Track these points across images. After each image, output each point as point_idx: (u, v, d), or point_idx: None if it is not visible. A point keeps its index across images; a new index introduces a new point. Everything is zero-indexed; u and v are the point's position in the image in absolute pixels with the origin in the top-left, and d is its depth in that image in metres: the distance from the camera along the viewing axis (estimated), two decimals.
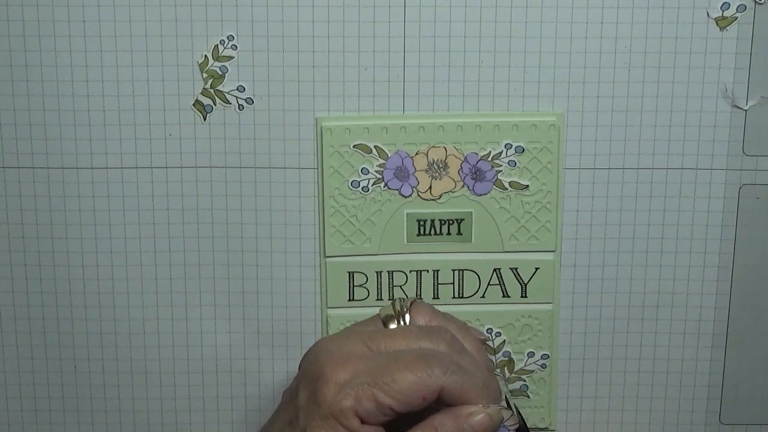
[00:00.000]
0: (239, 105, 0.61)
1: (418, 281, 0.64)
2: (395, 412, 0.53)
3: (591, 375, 0.66)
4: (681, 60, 0.61)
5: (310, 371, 0.54)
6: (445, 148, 0.62)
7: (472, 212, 0.63)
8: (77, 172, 0.62)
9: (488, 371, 0.57)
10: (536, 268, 0.64)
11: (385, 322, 0.58)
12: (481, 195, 0.62)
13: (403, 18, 0.60)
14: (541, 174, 0.62)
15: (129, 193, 0.63)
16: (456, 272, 0.64)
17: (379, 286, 0.64)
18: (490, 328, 0.64)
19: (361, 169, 0.62)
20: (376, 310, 0.64)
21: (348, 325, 0.64)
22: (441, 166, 0.62)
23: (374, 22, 0.60)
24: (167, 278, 0.64)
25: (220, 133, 0.62)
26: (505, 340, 0.65)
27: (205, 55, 0.61)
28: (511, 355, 0.65)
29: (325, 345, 0.56)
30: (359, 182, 0.62)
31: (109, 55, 0.61)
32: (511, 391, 0.65)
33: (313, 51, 0.61)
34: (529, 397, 0.65)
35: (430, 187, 0.62)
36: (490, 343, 0.64)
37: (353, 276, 0.64)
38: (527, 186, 0.62)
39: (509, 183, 0.62)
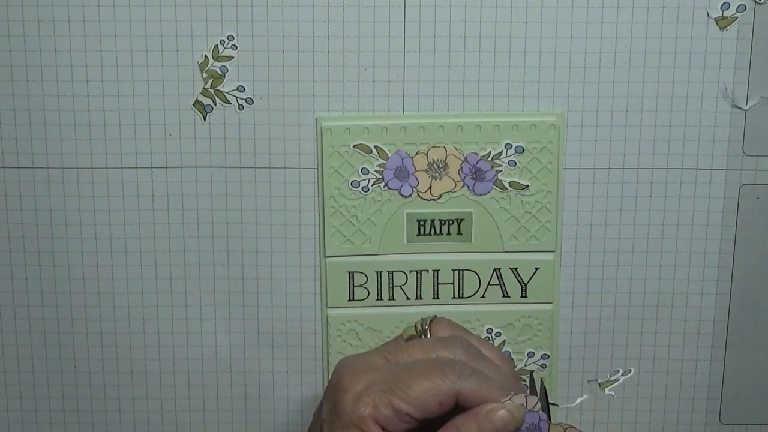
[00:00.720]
0: (239, 105, 0.61)
1: (418, 281, 0.64)
2: (414, 419, 0.54)
3: (591, 375, 0.66)
4: (681, 60, 0.61)
5: (331, 385, 0.56)
6: (445, 148, 0.62)
7: (472, 212, 0.63)
8: (77, 172, 0.62)
9: (510, 374, 0.57)
10: (536, 268, 0.64)
11: (408, 341, 0.59)
12: (481, 195, 0.62)
13: (403, 18, 0.60)
14: (541, 174, 0.62)
15: (129, 193, 0.63)
16: (456, 272, 0.64)
17: (379, 286, 0.64)
18: (490, 328, 0.64)
19: (361, 169, 0.62)
20: (376, 310, 0.64)
21: (348, 325, 0.64)
22: (441, 166, 0.62)
23: (374, 22, 0.60)
24: (167, 278, 0.64)
25: (220, 133, 0.62)
26: (505, 340, 0.65)
27: (205, 55, 0.61)
28: (511, 355, 0.65)
29: (345, 360, 0.57)
30: (359, 182, 0.62)
31: (109, 55, 0.61)
32: None
33: (313, 51, 0.61)
34: None
35: (430, 187, 0.62)
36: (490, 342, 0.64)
37: (353, 276, 0.64)
38: (527, 186, 0.62)
39: (509, 183, 0.62)
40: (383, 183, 0.62)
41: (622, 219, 0.63)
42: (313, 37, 0.60)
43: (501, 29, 0.61)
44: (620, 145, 0.62)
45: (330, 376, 0.58)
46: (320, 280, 0.64)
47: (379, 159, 0.62)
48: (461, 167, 0.62)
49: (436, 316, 0.60)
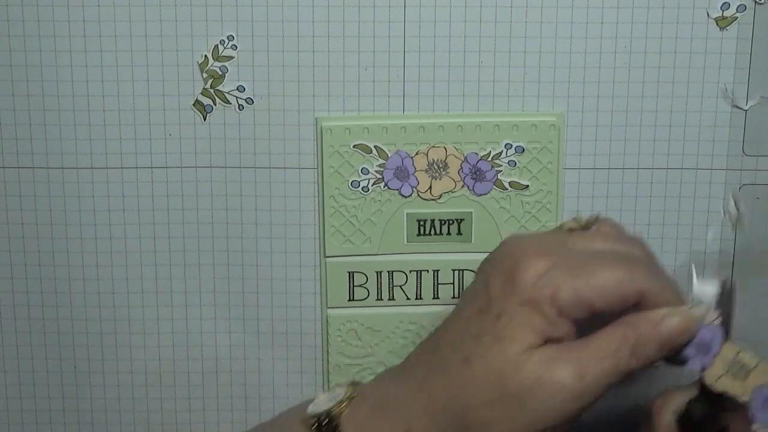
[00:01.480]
0: (239, 105, 0.61)
1: (418, 281, 0.64)
2: (592, 310, 0.51)
3: None
4: (681, 60, 0.61)
5: (504, 263, 0.52)
6: (445, 148, 0.62)
7: (472, 212, 0.63)
8: (77, 172, 0.62)
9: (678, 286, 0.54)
10: None
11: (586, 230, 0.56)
12: (481, 195, 0.62)
13: (403, 18, 0.60)
14: (541, 174, 0.62)
15: (129, 193, 0.63)
16: (456, 272, 0.64)
17: (379, 286, 0.64)
18: None
19: (361, 169, 0.62)
20: (377, 310, 0.64)
21: (348, 325, 0.64)
22: (441, 166, 0.62)
23: (374, 22, 0.60)
24: (167, 278, 0.64)
25: (220, 133, 0.62)
26: None
27: (205, 55, 0.61)
28: None
29: (516, 240, 0.53)
30: (359, 182, 0.62)
31: (109, 55, 0.61)
32: None
33: (313, 51, 0.61)
34: None
35: (430, 187, 0.62)
36: None
37: (353, 276, 0.64)
38: (527, 186, 0.62)
39: (509, 183, 0.62)
40: (383, 183, 0.62)
41: (622, 219, 0.63)
42: (313, 37, 0.60)
43: (501, 29, 0.61)
44: (620, 145, 0.62)
45: (492, 254, 0.54)
46: (320, 280, 0.64)
47: (379, 159, 0.62)
48: (461, 167, 0.62)
49: (599, 215, 0.57)
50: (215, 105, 0.61)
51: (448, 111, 0.62)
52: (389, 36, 0.61)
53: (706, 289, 0.54)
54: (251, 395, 0.66)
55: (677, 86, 0.61)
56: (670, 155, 0.62)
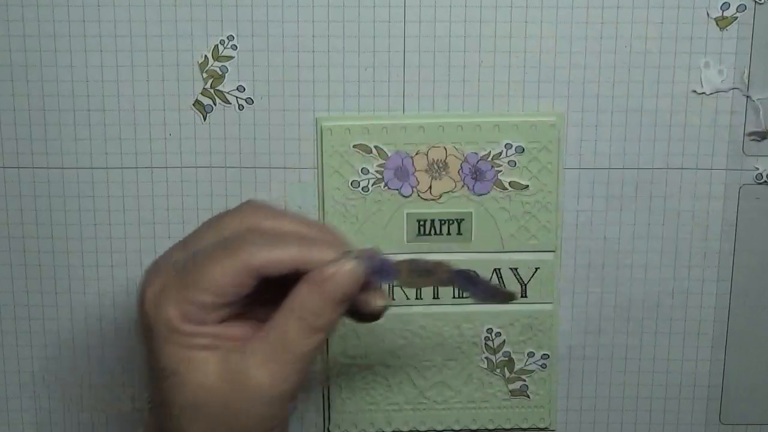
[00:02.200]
0: (239, 105, 0.61)
1: None
2: (223, 305, 0.48)
3: (591, 375, 0.66)
4: (681, 60, 0.61)
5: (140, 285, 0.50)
6: (445, 148, 0.62)
7: (472, 212, 0.63)
8: (77, 172, 0.62)
9: (331, 230, 0.51)
10: (536, 268, 0.64)
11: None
12: (481, 195, 0.62)
13: (403, 18, 0.60)
14: (541, 174, 0.62)
15: (129, 193, 0.63)
16: None
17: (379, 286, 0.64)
18: (490, 328, 0.64)
19: (361, 169, 0.62)
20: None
21: (348, 324, 0.64)
22: (441, 166, 0.62)
23: (374, 22, 0.60)
24: None
25: (220, 133, 0.62)
26: (505, 340, 0.65)
27: (205, 55, 0.61)
28: (511, 355, 0.65)
29: (149, 265, 0.51)
30: (359, 182, 0.62)
31: (109, 55, 0.61)
32: (511, 391, 0.65)
33: (313, 51, 0.61)
34: (529, 397, 0.65)
35: (430, 187, 0.62)
36: (490, 342, 0.64)
37: None
38: (527, 186, 0.62)
39: (509, 183, 0.62)
40: (383, 183, 0.62)
41: (622, 219, 0.63)
42: (313, 37, 0.60)
43: (501, 29, 0.61)
44: (620, 145, 0.62)
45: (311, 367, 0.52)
46: None
47: (379, 159, 0.62)
48: (461, 167, 0.62)
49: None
50: (215, 105, 0.61)
51: (448, 111, 0.62)
52: (389, 36, 0.61)
53: None
54: None
55: (677, 86, 0.61)
56: (670, 155, 0.62)
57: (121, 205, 0.63)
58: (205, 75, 0.61)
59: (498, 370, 0.65)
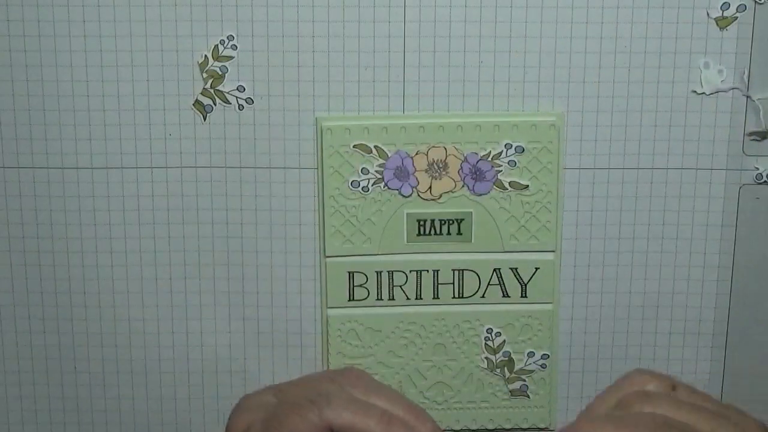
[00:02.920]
0: (239, 105, 0.61)
1: (418, 281, 0.64)
2: None
3: (591, 375, 0.66)
4: (681, 60, 0.61)
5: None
6: (445, 148, 0.62)
7: (472, 212, 0.63)
8: (77, 172, 0.62)
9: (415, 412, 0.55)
10: (536, 268, 0.64)
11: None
12: (481, 195, 0.62)
13: (403, 18, 0.60)
14: (541, 174, 0.62)
15: (129, 193, 0.63)
16: (456, 272, 0.64)
17: (379, 286, 0.64)
18: (490, 328, 0.64)
19: (361, 169, 0.62)
20: (376, 310, 0.64)
21: (348, 325, 0.64)
22: (441, 166, 0.62)
23: (374, 22, 0.60)
24: (167, 278, 0.64)
25: (220, 133, 0.62)
26: (505, 340, 0.65)
27: (205, 55, 0.61)
28: (511, 355, 0.65)
29: (240, 399, 0.57)
30: (359, 182, 0.62)
31: (109, 55, 0.61)
32: (511, 391, 0.65)
33: (313, 51, 0.61)
34: (529, 397, 0.65)
35: (430, 187, 0.62)
36: (490, 342, 0.64)
37: (353, 276, 0.64)
38: (527, 186, 0.62)
39: (509, 183, 0.62)
40: (383, 183, 0.62)
41: (622, 219, 0.63)
42: (313, 37, 0.60)
43: (501, 29, 0.61)
44: (620, 145, 0.62)
45: None
46: (320, 280, 0.64)
47: (379, 159, 0.62)
48: (461, 167, 0.62)
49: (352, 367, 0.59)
50: (215, 105, 0.61)
51: (448, 111, 0.62)
52: (389, 36, 0.61)
53: None
54: None
55: (677, 86, 0.61)
56: (670, 155, 0.62)
57: (121, 205, 0.63)
58: (205, 75, 0.61)
59: (498, 370, 0.65)
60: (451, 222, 0.63)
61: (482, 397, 0.65)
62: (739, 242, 0.64)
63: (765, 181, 0.63)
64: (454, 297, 0.64)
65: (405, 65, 0.61)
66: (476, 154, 0.62)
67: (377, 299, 0.64)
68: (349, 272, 0.63)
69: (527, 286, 0.64)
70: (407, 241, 0.63)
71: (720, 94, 0.62)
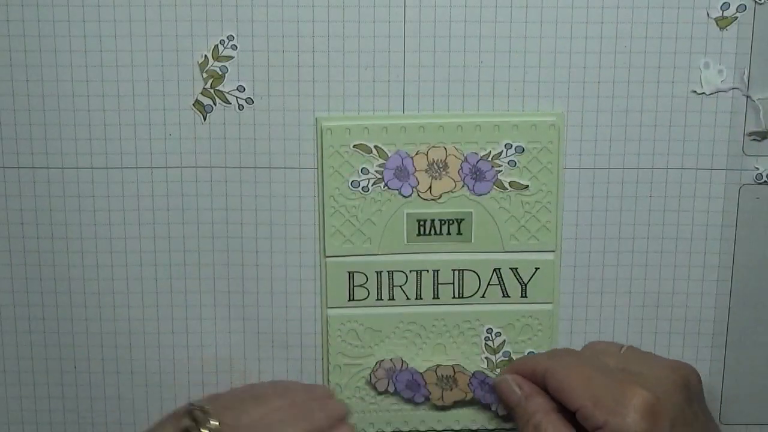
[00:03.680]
0: (239, 105, 0.61)
1: (418, 281, 0.64)
2: None
3: None
4: (681, 60, 0.61)
5: None
6: (445, 148, 0.62)
7: (472, 212, 0.63)
8: (77, 172, 0.62)
9: None
10: (536, 268, 0.64)
11: None
12: (481, 195, 0.62)
13: (403, 18, 0.60)
14: (541, 174, 0.62)
15: (129, 193, 0.63)
16: (456, 272, 0.64)
17: (379, 286, 0.64)
18: (490, 328, 0.64)
19: (361, 169, 0.62)
20: (376, 310, 0.64)
21: (348, 325, 0.64)
22: (441, 166, 0.62)
23: (374, 22, 0.60)
24: (167, 278, 0.64)
25: (220, 133, 0.62)
26: (505, 340, 0.65)
27: (205, 55, 0.61)
28: (511, 355, 0.65)
29: None
30: (359, 182, 0.62)
31: (109, 55, 0.61)
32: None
33: (313, 51, 0.61)
34: None
35: (430, 187, 0.62)
36: (490, 342, 0.64)
37: (353, 276, 0.64)
38: (527, 186, 0.62)
39: (509, 183, 0.62)
40: (383, 183, 0.62)
41: (622, 219, 0.63)
42: (313, 37, 0.60)
43: (501, 29, 0.61)
44: (620, 145, 0.62)
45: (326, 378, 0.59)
46: (320, 280, 0.64)
47: (379, 159, 0.62)
48: (461, 167, 0.62)
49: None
50: (215, 105, 0.62)
51: (448, 111, 0.62)
52: (389, 36, 0.61)
53: None
54: None
55: (677, 86, 0.61)
56: (670, 155, 0.62)
57: (121, 205, 0.63)
58: (205, 75, 0.61)
59: (498, 370, 0.65)
60: (451, 222, 0.63)
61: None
62: (739, 242, 0.64)
63: (765, 181, 0.63)
64: (454, 297, 0.64)
65: (405, 65, 0.61)
66: (476, 154, 0.62)
67: (377, 299, 0.64)
68: (349, 272, 0.63)
69: (527, 286, 0.64)
70: (407, 241, 0.63)
71: (720, 94, 0.62)
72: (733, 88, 0.61)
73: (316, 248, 0.63)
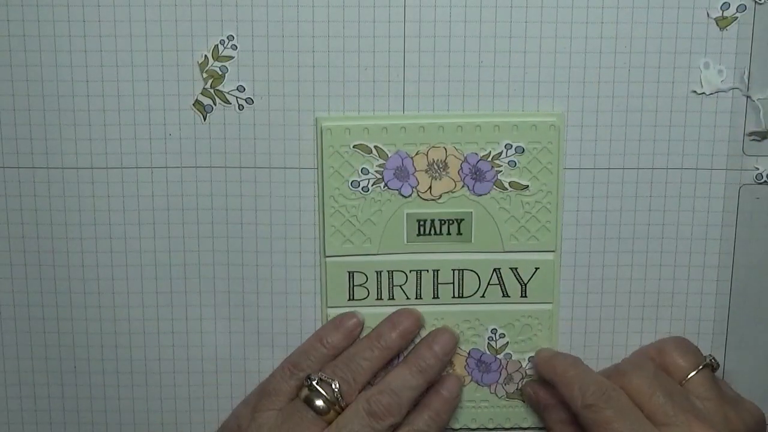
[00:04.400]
0: (239, 105, 0.61)
1: (418, 281, 0.64)
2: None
3: None
4: (681, 60, 0.61)
5: None
6: (445, 148, 0.62)
7: (472, 212, 0.63)
8: (77, 172, 0.62)
9: None
10: (536, 268, 0.64)
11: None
12: (481, 195, 0.62)
13: (403, 18, 0.60)
14: (541, 174, 0.62)
15: (129, 193, 0.63)
16: (456, 272, 0.64)
17: (379, 286, 0.64)
18: (495, 329, 0.64)
19: (361, 169, 0.62)
20: (376, 310, 0.64)
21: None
22: (441, 166, 0.62)
23: (374, 22, 0.60)
24: (167, 278, 0.64)
25: (220, 133, 0.62)
26: (508, 342, 0.65)
27: (205, 55, 0.61)
28: (512, 357, 0.65)
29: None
30: (359, 182, 0.62)
31: (109, 55, 0.61)
32: (510, 392, 0.65)
33: (313, 51, 0.61)
34: None
35: (430, 187, 0.62)
36: (493, 343, 0.64)
37: (353, 276, 0.64)
38: (527, 186, 0.62)
39: (509, 183, 0.62)
40: (383, 183, 0.62)
41: (622, 219, 0.63)
42: (313, 37, 0.60)
43: (501, 29, 0.61)
44: (620, 145, 0.62)
45: None
46: (320, 280, 0.64)
47: (379, 159, 0.62)
48: (461, 167, 0.62)
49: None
50: (215, 105, 0.62)
51: (448, 111, 0.62)
52: (389, 36, 0.61)
53: None
54: None
55: (677, 86, 0.61)
56: (670, 155, 0.62)
57: (121, 205, 0.63)
58: (205, 75, 0.61)
59: (503, 371, 0.65)
60: (451, 222, 0.63)
61: (482, 397, 0.65)
62: (739, 242, 0.64)
63: (765, 181, 0.63)
64: (454, 297, 0.64)
65: (405, 65, 0.61)
66: (476, 154, 0.62)
67: (377, 299, 0.64)
68: (349, 272, 0.64)
69: (527, 286, 0.64)
70: (407, 241, 0.63)
71: (720, 94, 0.62)
72: (733, 88, 0.61)
73: (316, 248, 0.63)
